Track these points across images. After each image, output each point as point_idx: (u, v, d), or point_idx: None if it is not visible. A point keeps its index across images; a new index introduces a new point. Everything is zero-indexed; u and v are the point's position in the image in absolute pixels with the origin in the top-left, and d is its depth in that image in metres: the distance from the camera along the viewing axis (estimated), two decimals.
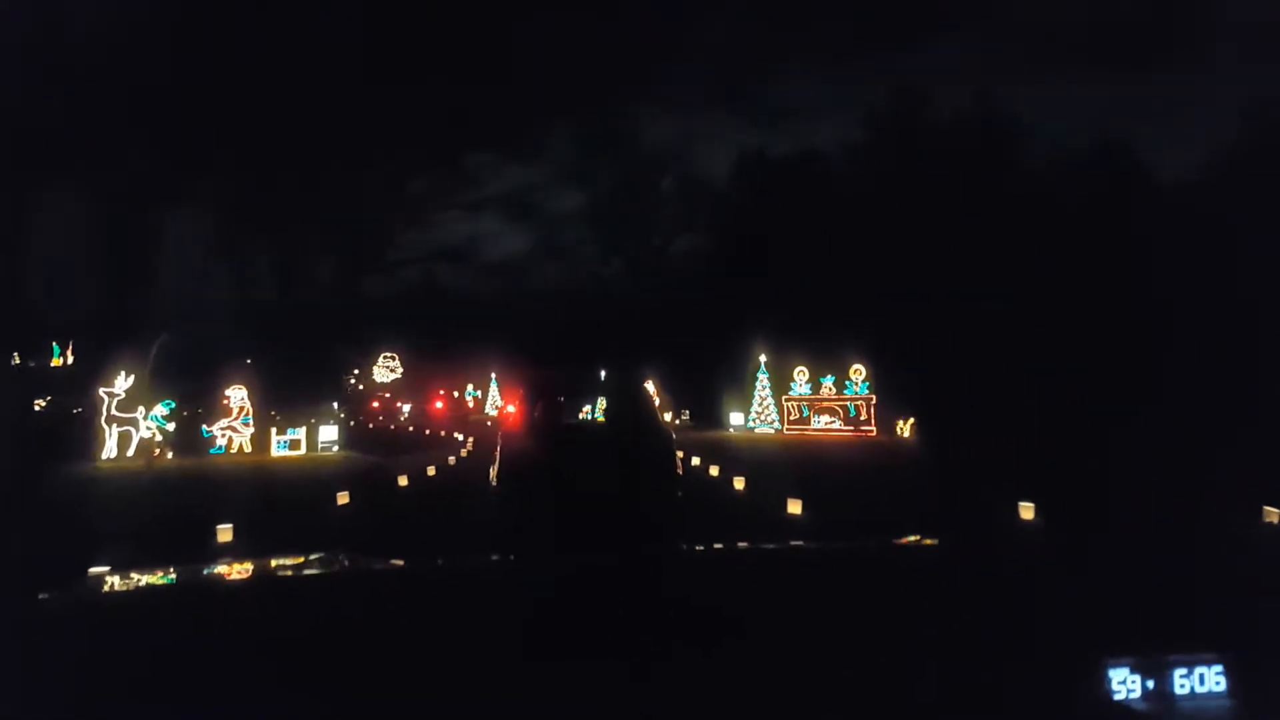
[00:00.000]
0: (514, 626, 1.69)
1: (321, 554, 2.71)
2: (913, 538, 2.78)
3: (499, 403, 53.03)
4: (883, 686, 1.57)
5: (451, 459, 20.68)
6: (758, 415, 33.84)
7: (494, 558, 2.59)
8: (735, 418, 35.04)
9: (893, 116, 41.12)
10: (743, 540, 3.35)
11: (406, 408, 57.41)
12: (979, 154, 36.67)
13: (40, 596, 1.91)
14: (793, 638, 1.68)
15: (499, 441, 3.15)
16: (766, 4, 79.14)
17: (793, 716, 1.51)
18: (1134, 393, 22.19)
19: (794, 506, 10.51)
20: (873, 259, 33.28)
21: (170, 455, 22.03)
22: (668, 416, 33.79)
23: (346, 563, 2.68)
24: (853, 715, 1.52)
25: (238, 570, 2.64)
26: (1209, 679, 1.67)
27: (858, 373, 31.29)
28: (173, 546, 8.52)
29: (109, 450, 21.37)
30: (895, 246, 32.87)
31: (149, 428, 21.94)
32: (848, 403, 31.60)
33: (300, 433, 24.33)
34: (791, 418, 32.89)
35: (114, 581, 2.24)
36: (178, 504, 13.50)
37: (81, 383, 26.41)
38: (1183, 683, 1.66)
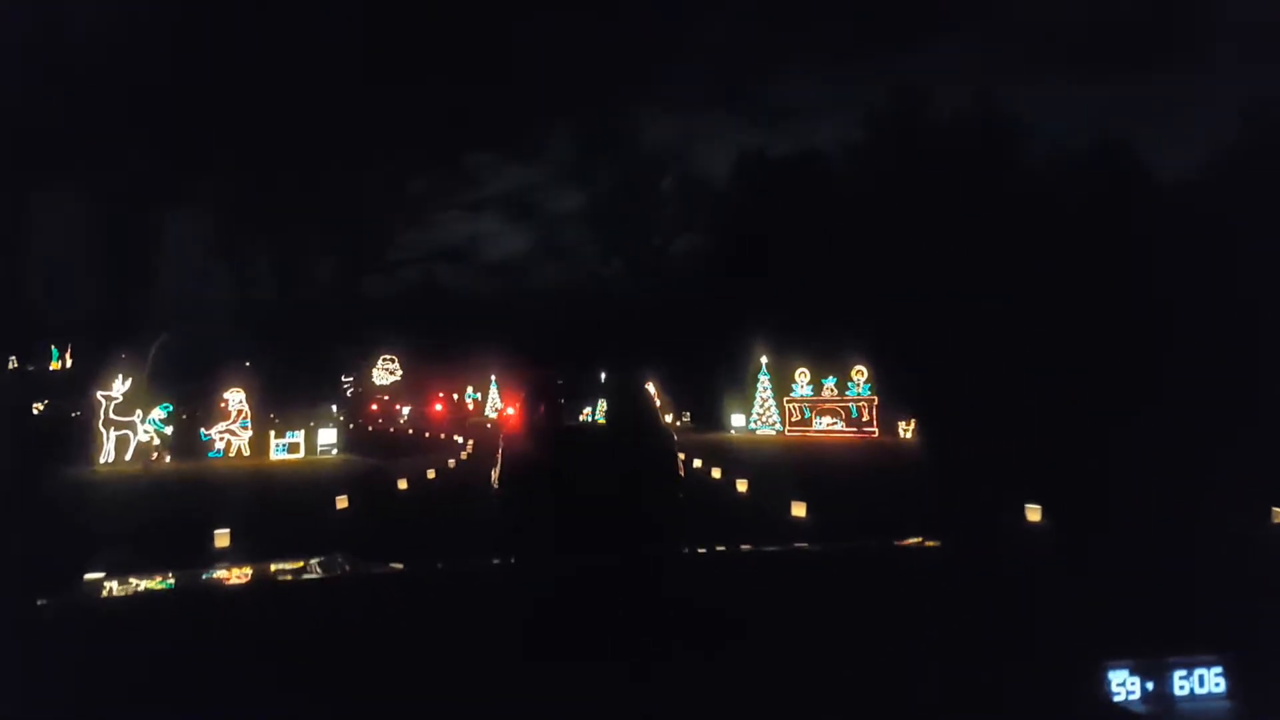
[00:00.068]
0: (514, 628, 1.67)
1: (320, 558, 2.70)
2: (914, 539, 2.77)
3: (499, 405, 52.98)
4: (883, 687, 1.55)
5: (451, 461, 20.61)
6: (759, 417, 33.77)
7: (495, 560, 2.56)
8: (736, 419, 34.98)
9: (893, 116, 41.11)
10: (746, 543, 3.35)
11: (406, 410, 57.37)
12: (979, 154, 36.65)
13: (39, 602, 1.89)
14: (793, 639, 1.67)
15: (500, 443, 3.11)
16: (766, 4, 79.25)
17: (793, 717, 1.50)
18: (1134, 393, 22.14)
19: (798, 509, 10.43)
20: (873, 259, 33.22)
21: (168, 459, 21.94)
22: (668, 418, 33.70)
23: (346, 566, 2.68)
24: (853, 716, 1.51)
25: (237, 574, 2.63)
26: (1208, 680, 1.66)
27: (859, 374, 31.22)
28: (169, 552, 8.45)
29: (107, 454, 21.29)
30: (896, 246, 32.82)
31: (147, 431, 21.85)
32: (849, 404, 31.53)
33: (299, 436, 24.26)
34: (793, 419, 32.83)
35: (112, 586, 2.22)
36: (175, 508, 13.43)
37: (80, 386, 26.35)
38: (1182, 684, 1.66)
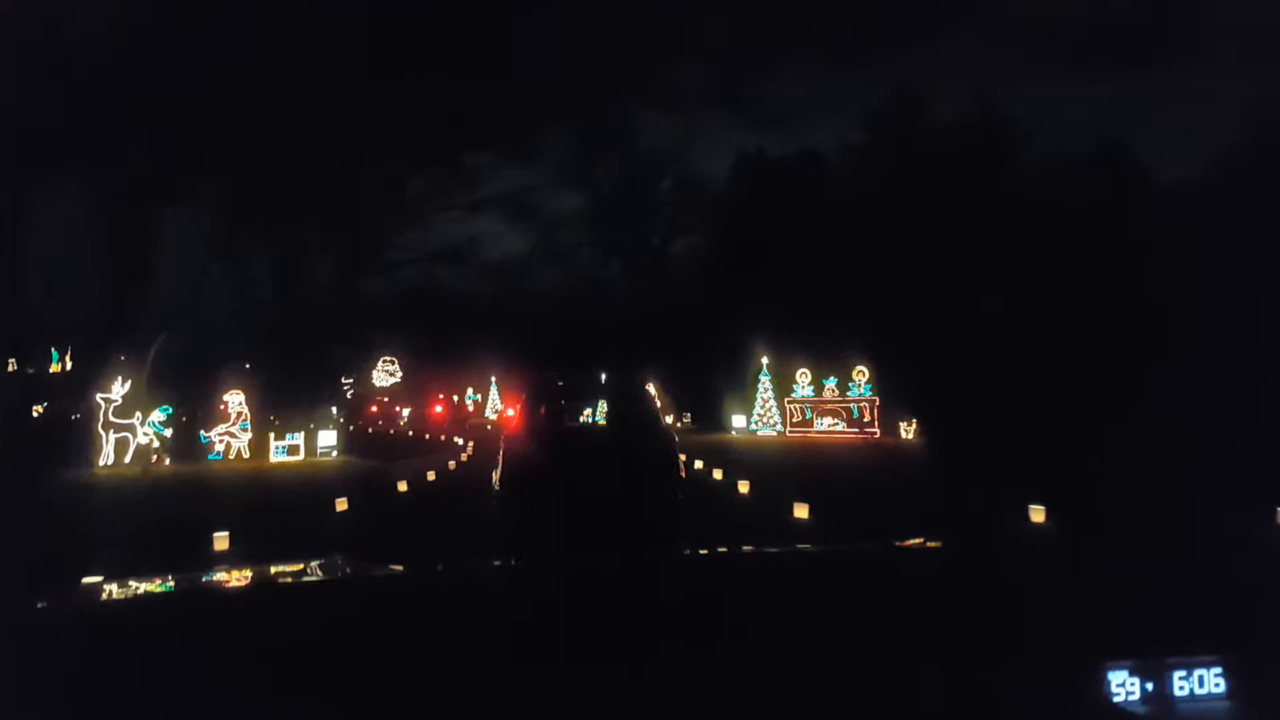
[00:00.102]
0: (513, 631, 1.67)
1: (320, 560, 2.70)
2: (915, 540, 2.75)
3: (499, 406, 52.94)
4: (883, 688, 1.55)
5: (451, 463, 20.54)
6: (760, 417, 33.71)
7: (495, 562, 2.55)
8: (737, 420, 34.93)
9: (892, 117, 41.08)
10: (748, 545, 3.32)
11: (406, 412, 57.33)
12: (979, 154, 36.63)
13: (38, 604, 1.88)
14: (794, 640, 1.66)
15: (502, 445, 3.09)
16: (766, 5, 79.34)
17: (794, 719, 1.49)
18: (1135, 393, 22.11)
19: (800, 510, 10.35)
20: (874, 259, 33.18)
21: (167, 461, 21.87)
22: (669, 419, 33.63)
23: (346, 568, 2.66)
24: (853, 717, 1.51)
25: (236, 576, 2.61)
26: (1208, 681, 1.66)
27: (861, 374, 31.15)
28: (168, 555, 8.41)
29: (106, 457, 21.23)
30: (896, 247, 32.78)
31: (146, 434, 21.79)
32: (851, 404, 31.46)
33: (299, 438, 24.19)
34: (794, 420, 32.76)
35: (111, 589, 2.21)
36: (174, 511, 13.38)
37: (80, 388, 26.31)
38: (1182, 684, 1.65)
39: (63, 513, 13.26)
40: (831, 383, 31.88)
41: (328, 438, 24.88)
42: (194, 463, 22.09)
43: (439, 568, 2.61)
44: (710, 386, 36.44)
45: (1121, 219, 30.28)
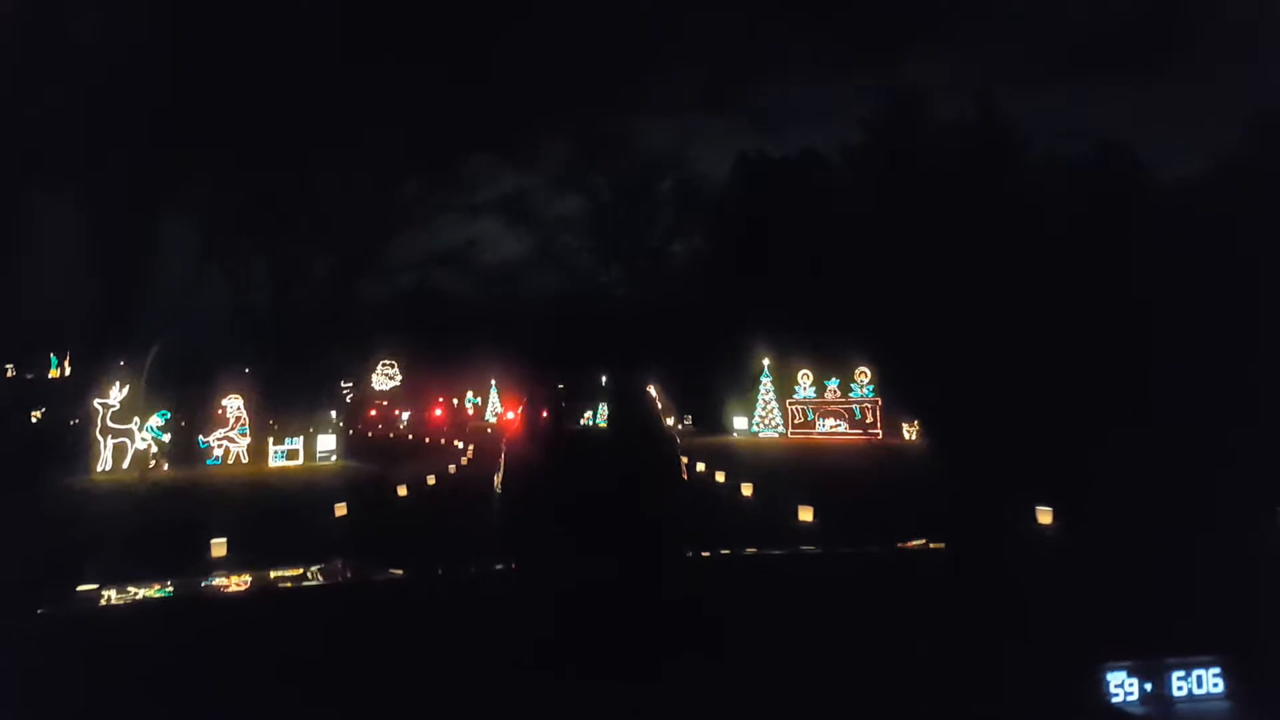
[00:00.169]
0: (514, 635, 1.65)
1: (319, 564, 2.67)
2: (918, 541, 2.76)
3: (499, 409, 52.83)
4: (883, 689, 1.53)
5: (451, 467, 20.41)
6: (761, 419, 33.57)
7: (497, 566, 2.51)
8: (739, 422, 34.78)
9: (894, 119, 41.03)
10: (752, 549, 3.32)
11: (405, 416, 57.24)
12: (981, 156, 36.58)
13: (38, 610, 1.86)
14: (796, 642, 1.64)
15: (503, 448, 3.02)
16: (766, 7, 79.35)
17: None
18: (1136, 393, 22.02)
19: (805, 513, 10.21)
20: (875, 260, 33.10)
21: (165, 467, 21.73)
22: (670, 421, 33.52)
23: (346, 573, 2.66)
24: (854, 718, 1.49)
25: (235, 582, 2.58)
26: (1207, 681, 1.66)
27: (863, 375, 31.01)
28: (164, 562, 8.31)
29: (104, 462, 21.10)
30: (898, 248, 32.69)
31: (144, 439, 21.66)
32: (853, 405, 31.32)
33: (298, 443, 24.06)
34: (796, 421, 32.62)
35: (110, 595, 2.18)
36: (171, 517, 13.28)
37: (78, 393, 26.22)
38: (1181, 685, 1.66)
39: (60, 518, 13.15)
40: (833, 384, 31.72)
41: (327, 442, 24.73)
42: (192, 468, 21.97)
43: (439, 572, 2.59)
44: (711, 388, 36.30)
45: (1122, 221, 30.24)
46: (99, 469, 20.93)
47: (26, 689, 1.49)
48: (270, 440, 23.75)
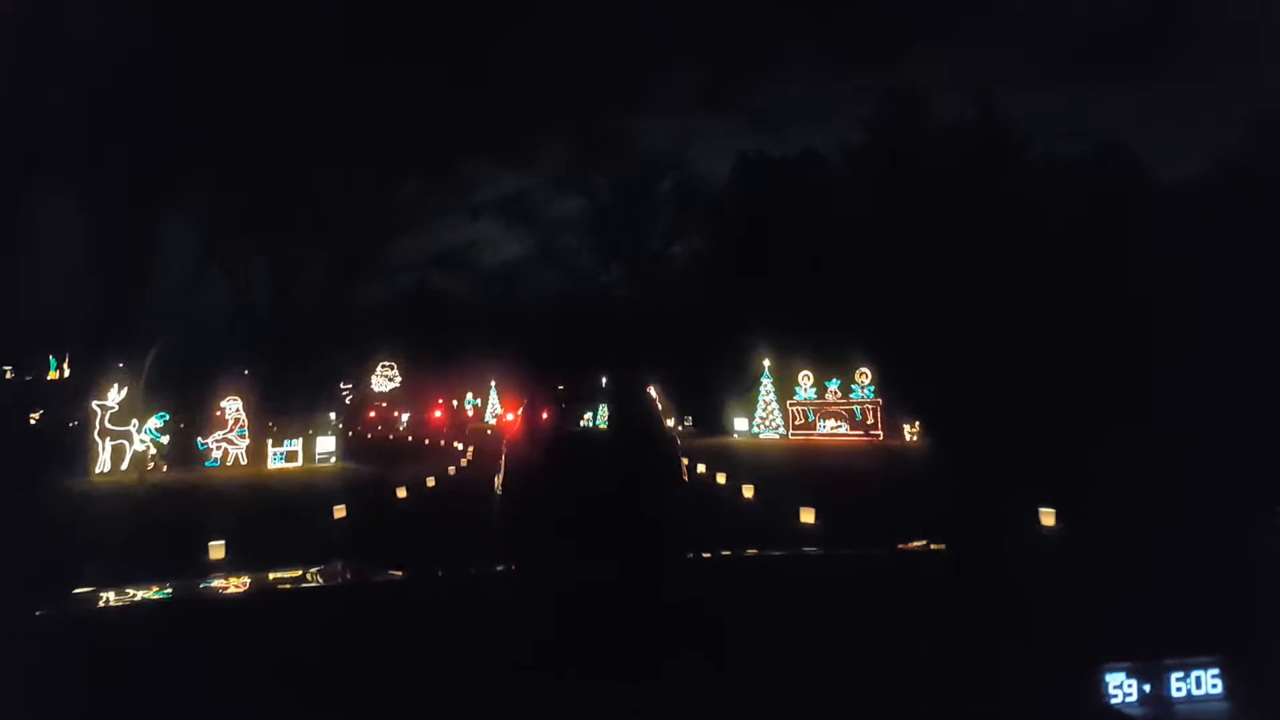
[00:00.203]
0: (515, 636, 1.64)
1: (318, 566, 2.67)
2: (919, 543, 2.75)
3: (498, 411, 52.77)
4: (883, 689, 1.53)
5: (451, 469, 20.36)
6: (762, 420, 33.52)
7: (498, 568, 2.49)
8: (739, 423, 34.73)
9: (894, 119, 41.02)
10: (754, 551, 3.31)
11: (405, 417, 57.16)
12: (981, 156, 36.56)
13: (36, 613, 1.86)
14: (796, 644, 1.64)
15: (504, 450, 3.01)
16: (766, 7, 79.31)
17: None
18: (1136, 394, 22.00)
19: (807, 515, 10.17)
20: (876, 261, 33.06)
21: (164, 468, 21.68)
22: (670, 422, 33.46)
23: (346, 574, 2.66)
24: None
25: (234, 583, 2.58)
26: (1205, 682, 1.66)
27: (863, 376, 30.95)
28: (163, 564, 8.27)
29: (102, 464, 21.05)
30: (898, 248, 32.66)
31: (143, 440, 21.61)
32: (854, 406, 31.26)
33: (297, 444, 24.00)
34: (797, 423, 32.57)
35: (108, 597, 2.18)
36: (170, 519, 13.22)
37: (77, 395, 26.17)
38: (1179, 686, 1.66)
39: (56, 521, 13.10)
40: (834, 385, 31.66)
41: (326, 443, 24.67)
42: (191, 469, 21.91)
43: (439, 573, 2.58)
44: (712, 389, 36.26)
45: (1123, 220, 30.23)
46: (97, 471, 20.88)
47: (24, 690, 1.49)
48: (269, 442, 23.69)
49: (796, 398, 32.62)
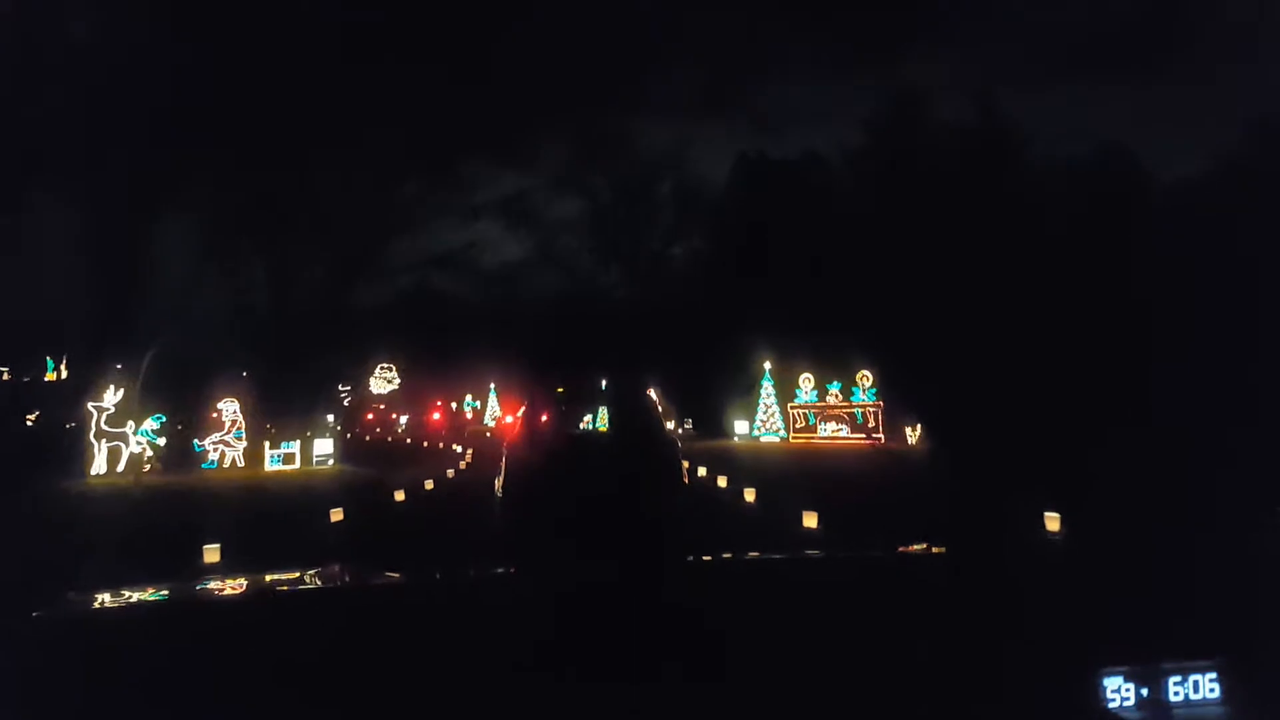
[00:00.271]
0: (514, 638, 1.62)
1: (315, 569, 2.65)
2: (919, 545, 2.74)
3: (497, 413, 52.70)
4: (883, 691, 1.52)
5: (450, 472, 20.28)
6: (763, 423, 33.46)
7: (496, 570, 2.46)
8: (740, 426, 34.67)
9: (894, 120, 40.99)
10: (754, 554, 3.27)
11: (403, 419, 57.08)
12: (982, 158, 36.54)
13: (33, 614, 1.83)
14: (796, 645, 1.63)
15: (504, 452, 2.95)
16: (766, 7, 79.44)
17: None
18: (1136, 395, 21.97)
19: (809, 519, 10.09)
20: (876, 263, 33.02)
21: (161, 470, 21.59)
22: (670, 425, 33.37)
23: (344, 577, 2.64)
24: None
25: (230, 585, 2.54)
26: (1203, 685, 1.66)
27: (864, 378, 30.87)
28: (158, 566, 8.20)
29: (98, 466, 20.96)
30: (899, 250, 32.61)
31: (139, 442, 21.52)
32: (855, 409, 31.19)
33: (294, 446, 23.91)
34: (797, 425, 32.50)
35: (104, 599, 2.15)
36: (165, 521, 13.16)
37: (74, 397, 26.11)
38: (1177, 690, 1.66)
39: (51, 523, 13.04)
40: (835, 387, 31.60)
41: (324, 446, 24.59)
42: (188, 472, 21.82)
43: (437, 576, 2.55)
44: (712, 392, 36.20)
45: (1123, 220, 30.22)
46: (93, 472, 20.79)
47: (21, 692, 1.48)
48: (266, 444, 23.62)
49: (797, 400, 32.53)
